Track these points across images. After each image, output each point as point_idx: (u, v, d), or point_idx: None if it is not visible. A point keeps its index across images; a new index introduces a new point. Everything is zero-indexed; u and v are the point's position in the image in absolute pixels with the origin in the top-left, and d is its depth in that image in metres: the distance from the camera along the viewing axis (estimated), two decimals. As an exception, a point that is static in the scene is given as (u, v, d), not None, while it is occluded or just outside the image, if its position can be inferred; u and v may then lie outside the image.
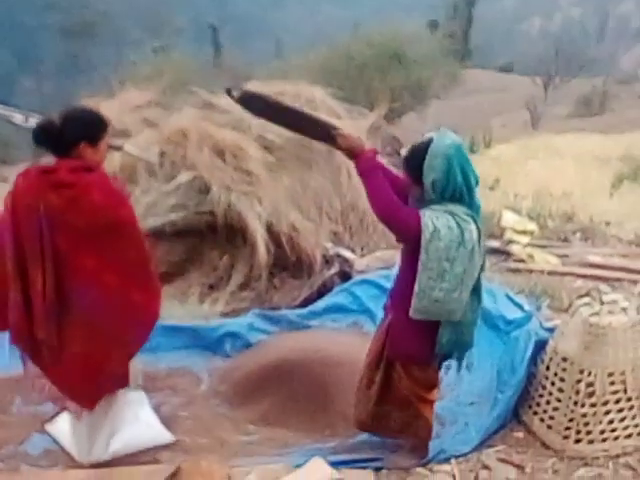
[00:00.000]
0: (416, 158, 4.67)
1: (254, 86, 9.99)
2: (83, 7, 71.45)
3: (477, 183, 4.74)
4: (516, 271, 10.00)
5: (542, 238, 12.20)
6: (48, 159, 5.03)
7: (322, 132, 4.98)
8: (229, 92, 5.14)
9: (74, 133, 4.89)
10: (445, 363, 5.27)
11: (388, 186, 4.69)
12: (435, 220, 4.52)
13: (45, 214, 4.71)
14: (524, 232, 11.86)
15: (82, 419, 5.26)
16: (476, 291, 4.85)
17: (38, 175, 4.84)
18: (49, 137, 4.86)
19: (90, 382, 5.00)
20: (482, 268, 4.87)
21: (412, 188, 4.80)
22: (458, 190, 4.62)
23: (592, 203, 16.45)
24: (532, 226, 12.42)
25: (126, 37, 70.52)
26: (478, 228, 4.69)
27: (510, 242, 11.40)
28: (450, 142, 4.63)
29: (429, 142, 4.64)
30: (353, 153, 4.82)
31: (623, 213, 15.05)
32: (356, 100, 10.84)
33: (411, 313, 4.66)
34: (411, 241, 4.61)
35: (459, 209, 4.62)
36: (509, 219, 12.33)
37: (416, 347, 4.90)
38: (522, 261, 10.77)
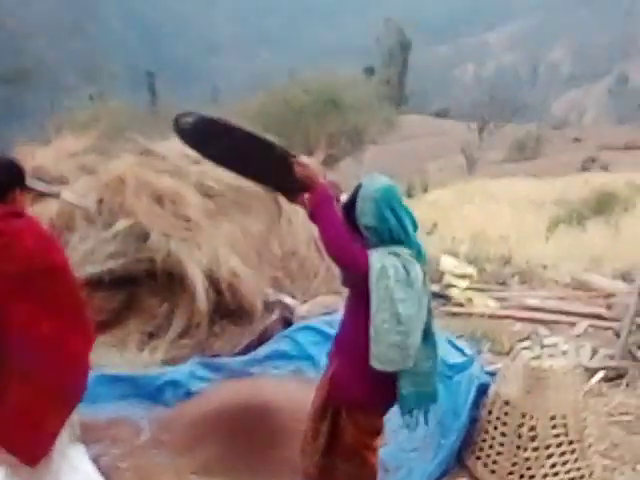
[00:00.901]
0: (349, 205, 4.68)
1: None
2: (17, 53, 71.17)
3: (415, 225, 4.71)
4: (456, 315, 10.09)
5: (480, 282, 12.32)
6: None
7: (278, 160, 4.81)
8: (179, 120, 4.95)
9: (11, 178, 4.83)
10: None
11: (340, 221, 4.62)
12: (383, 259, 4.48)
13: (-26, 264, 4.61)
14: (463, 276, 11.97)
15: (20, 474, 5.13)
16: (428, 337, 4.74)
17: None
18: None
19: (29, 437, 4.88)
20: (430, 312, 4.78)
21: (354, 234, 4.72)
22: (395, 232, 4.58)
23: (528, 246, 16.71)
24: (470, 270, 12.55)
25: (61, 83, 70.33)
26: (423, 270, 4.65)
27: (449, 286, 11.49)
28: (379, 186, 4.62)
29: (359, 188, 4.66)
30: (309, 184, 4.69)
31: (559, 256, 15.30)
32: (294, 146, 10.88)
33: (371, 362, 4.52)
34: (358, 279, 4.53)
35: (402, 250, 4.57)
36: (447, 263, 12.42)
37: (362, 395, 4.79)
38: (461, 305, 10.86)
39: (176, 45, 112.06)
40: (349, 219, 4.70)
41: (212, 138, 4.91)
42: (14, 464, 4.97)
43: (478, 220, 21.37)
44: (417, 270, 4.57)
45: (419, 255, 4.66)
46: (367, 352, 4.54)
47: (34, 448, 4.88)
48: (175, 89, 68.94)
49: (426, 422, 5.04)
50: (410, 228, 4.66)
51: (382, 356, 4.49)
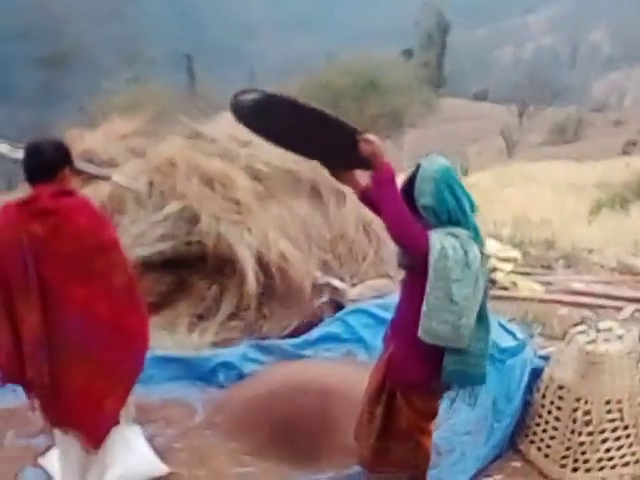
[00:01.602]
0: (408, 186, 4.71)
1: (228, 117, 10.03)
2: (56, 37, 71.39)
3: (472, 206, 4.71)
4: (500, 299, 10.01)
5: (525, 265, 12.23)
6: (23, 188, 4.98)
7: (343, 137, 4.74)
8: (238, 96, 4.85)
9: (61, 156, 4.86)
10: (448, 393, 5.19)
11: (402, 200, 4.61)
12: (442, 239, 4.49)
13: (29, 246, 4.62)
14: (507, 259, 11.89)
15: (76, 453, 5.19)
16: (482, 319, 4.73)
17: (17, 208, 4.75)
18: (40, 159, 4.82)
19: (91, 418, 4.93)
20: (486, 293, 4.78)
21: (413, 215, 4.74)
22: (453, 213, 4.60)
23: (572, 230, 16.56)
24: (515, 253, 12.47)
25: (100, 66, 70.42)
26: (480, 251, 4.66)
27: (493, 270, 11.41)
28: (437, 166, 4.63)
29: (418, 168, 4.67)
30: (374, 161, 4.66)
31: (603, 240, 15.15)
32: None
33: (419, 333, 4.56)
34: (417, 259, 4.56)
35: (460, 231, 4.59)
36: (491, 246, 12.34)
37: (419, 376, 4.81)
38: (505, 288, 10.79)
39: (213, 28, 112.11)
40: (407, 200, 4.69)
41: (274, 115, 4.83)
42: (79, 442, 5.04)
43: (519, 203, 21.23)
44: (475, 251, 4.57)
45: (476, 236, 4.66)
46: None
47: (97, 428, 4.94)
48: (213, 72, 68.91)
49: (474, 402, 5.08)
50: (468, 209, 4.66)
51: (431, 331, 4.53)
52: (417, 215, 4.66)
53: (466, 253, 4.51)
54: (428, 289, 4.50)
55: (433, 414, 5.07)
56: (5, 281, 4.69)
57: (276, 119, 4.84)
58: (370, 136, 4.68)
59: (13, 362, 4.77)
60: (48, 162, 4.79)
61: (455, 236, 4.53)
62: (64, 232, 4.67)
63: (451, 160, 4.89)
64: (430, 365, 4.73)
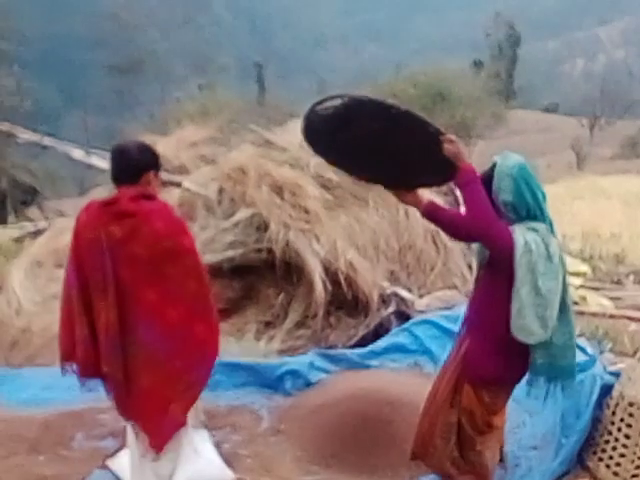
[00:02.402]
0: (485, 183, 4.73)
1: (298, 125, 10.05)
2: (129, 45, 72.29)
3: (544, 199, 4.76)
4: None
5: (594, 280, 12.09)
6: (94, 193, 5.06)
7: (428, 137, 4.74)
8: (318, 105, 4.79)
9: (147, 160, 4.94)
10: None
11: (487, 199, 4.67)
12: (525, 234, 4.55)
13: (107, 246, 4.72)
14: (576, 274, 11.76)
15: (146, 456, 5.25)
16: (565, 311, 4.77)
17: (99, 208, 4.87)
18: (126, 161, 4.91)
19: (156, 421, 4.99)
20: (565, 286, 4.80)
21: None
22: (532, 208, 4.67)
23: (642, 245, 16.29)
24: (584, 268, 12.33)
25: (171, 74, 71.22)
26: (558, 244, 4.73)
27: (563, 284, 11.25)
28: (514, 163, 4.73)
29: (494, 166, 4.75)
30: (457, 161, 4.72)
31: (674, 257, 14.88)
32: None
33: (513, 332, 4.62)
34: (500, 256, 4.62)
35: (539, 225, 4.65)
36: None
37: (495, 371, 4.87)
38: (575, 303, 10.66)
39: (283, 37, 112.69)
40: None
41: (355, 123, 4.78)
42: (144, 444, 5.10)
43: (589, 217, 20.96)
44: (555, 244, 4.65)
45: (552, 230, 4.74)
46: (502, 328, 4.64)
47: (162, 432, 5.00)
48: (282, 81, 69.33)
49: (563, 393, 5.34)
50: (543, 203, 4.73)
51: (525, 327, 4.59)
52: (497, 212, 4.71)
53: (547, 246, 4.58)
54: (518, 285, 4.56)
55: (501, 408, 5.08)
56: (84, 278, 4.79)
57: (357, 126, 4.78)
58: (453, 137, 4.73)
59: (90, 357, 4.86)
60: (133, 165, 4.88)
61: (535, 230, 4.60)
62: (140, 235, 4.75)
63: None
64: (507, 359, 4.82)
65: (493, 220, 4.62)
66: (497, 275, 4.71)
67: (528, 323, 4.59)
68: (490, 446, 5.13)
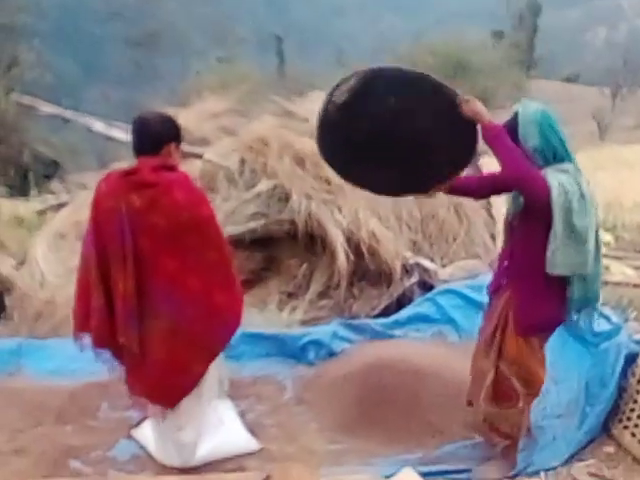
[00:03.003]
0: (509, 134, 4.78)
1: (318, 96, 10.02)
2: (148, 17, 72.18)
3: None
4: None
5: (617, 249, 12.02)
6: (115, 166, 5.08)
7: (446, 98, 4.83)
8: (335, 90, 4.84)
9: (168, 132, 4.95)
10: None
11: (517, 147, 4.76)
12: (557, 177, 4.67)
13: (127, 215, 4.75)
14: (600, 243, 11.66)
15: (167, 423, 5.28)
16: (597, 246, 4.95)
17: (119, 178, 4.90)
18: (147, 132, 4.92)
19: (171, 382, 5.03)
20: (597, 220, 4.97)
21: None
22: (559, 151, 4.80)
23: (665, 215, 16.16)
24: (608, 237, 12.27)
25: (190, 47, 71.01)
26: (587, 181, 4.86)
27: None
28: (535, 108, 4.86)
29: (516, 115, 4.86)
30: (479, 119, 4.79)
31: (697, 226, 14.76)
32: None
33: (549, 269, 4.76)
34: (539, 201, 4.70)
35: (567, 166, 4.78)
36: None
37: (549, 312, 5.02)
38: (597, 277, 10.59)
39: (302, 8, 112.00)
40: None
41: (372, 99, 4.81)
42: (155, 412, 5.14)
43: (611, 187, 20.79)
44: (584, 182, 4.78)
45: (578, 169, 4.86)
46: (542, 274, 4.80)
47: (175, 391, 5.04)
48: (301, 52, 69.02)
49: (590, 323, 5.44)
50: (568, 145, 4.85)
51: (561, 263, 4.74)
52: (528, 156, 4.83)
53: (579, 185, 4.71)
54: (555, 226, 4.69)
55: (543, 357, 5.22)
56: (102, 247, 4.82)
57: (374, 102, 4.81)
58: (470, 97, 4.81)
59: (105, 327, 4.90)
60: (154, 136, 4.90)
61: (566, 172, 4.74)
62: (160, 205, 4.76)
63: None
64: (556, 301, 4.97)
65: (528, 167, 4.72)
66: (534, 221, 4.83)
67: (563, 259, 4.72)
68: (529, 406, 5.27)
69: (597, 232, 4.94)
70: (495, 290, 5.27)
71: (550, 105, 5.02)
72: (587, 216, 4.72)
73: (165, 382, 5.03)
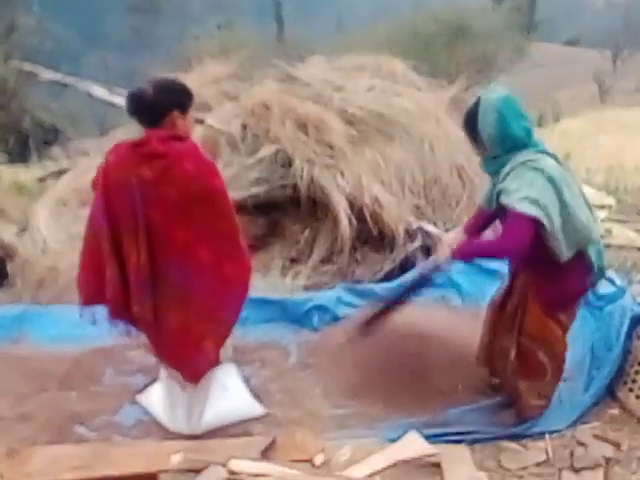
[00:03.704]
0: (471, 118, 4.87)
1: (319, 61, 9.99)
2: (147, -18, 71.61)
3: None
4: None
5: (620, 213, 12.01)
6: (115, 133, 5.03)
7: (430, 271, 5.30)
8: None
9: (167, 101, 4.88)
10: None
11: (484, 244, 5.23)
12: (532, 200, 4.65)
13: (138, 187, 4.71)
14: (601, 206, 11.69)
15: (179, 391, 5.30)
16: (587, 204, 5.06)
17: (128, 149, 4.85)
18: (143, 105, 4.86)
19: (190, 357, 5.03)
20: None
21: (478, 149, 5.03)
22: (520, 138, 4.77)
23: (667, 178, 16.13)
24: (610, 200, 12.24)
25: (189, 13, 70.55)
26: (555, 159, 4.86)
27: (587, 217, 11.20)
28: (497, 95, 4.79)
29: (478, 100, 4.84)
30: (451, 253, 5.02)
31: (700, 189, 14.74)
32: (422, 75, 10.74)
33: (561, 258, 4.84)
34: (533, 240, 4.74)
35: (527, 154, 4.79)
36: (585, 193, 12.12)
37: (571, 286, 5.10)
38: (600, 236, 10.59)
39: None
40: (468, 134, 4.99)
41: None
42: (177, 380, 5.15)
43: (613, 150, 20.77)
44: (550, 165, 4.77)
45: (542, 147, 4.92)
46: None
47: (196, 366, 5.05)
48: (300, 18, 68.57)
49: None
50: (532, 131, 4.88)
51: (565, 249, 4.83)
52: (480, 145, 4.93)
53: (549, 176, 4.70)
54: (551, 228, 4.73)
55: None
56: (113, 220, 4.80)
57: None
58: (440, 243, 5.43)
59: (119, 298, 4.89)
60: (151, 108, 4.84)
61: (524, 165, 4.75)
62: (171, 177, 4.73)
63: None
64: (572, 275, 5.01)
65: (499, 245, 4.94)
66: None
67: (574, 239, 4.84)
68: (558, 379, 5.42)
69: (584, 196, 5.04)
70: (514, 269, 5.36)
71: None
72: (574, 195, 4.82)
73: (184, 355, 5.04)
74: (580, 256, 4.89)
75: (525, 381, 5.28)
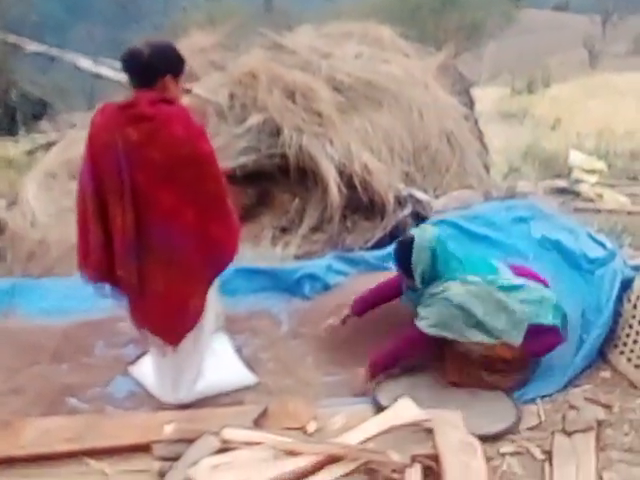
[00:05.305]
0: (404, 253, 5.40)
1: (307, 30, 9.93)
2: (132, -46, 71.07)
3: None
4: (587, 211, 9.86)
5: (610, 177, 12.03)
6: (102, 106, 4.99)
7: None
8: None
9: (162, 64, 4.85)
10: None
11: (391, 351, 5.56)
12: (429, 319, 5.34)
13: (123, 149, 4.68)
14: (592, 171, 11.73)
15: (166, 360, 5.29)
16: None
17: (115, 110, 4.82)
18: (138, 65, 4.82)
19: (173, 318, 5.03)
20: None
21: (404, 279, 5.64)
22: (450, 271, 5.37)
23: (657, 142, 16.14)
24: (600, 165, 12.28)
25: (176, -17, 70.10)
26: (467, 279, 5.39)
27: (578, 181, 11.26)
28: (431, 235, 5.41)
29: (412, 239, 5.41)
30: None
31: (689, 151, 14.76)
32: (412, 41, 10.69)
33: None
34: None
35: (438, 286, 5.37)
36: (576, 158, 12.19)
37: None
38: (591, 200, 10.63)
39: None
40: (398, 265, 5.65)
41: None
42: (160, 347, 5.14)
43: (603, 115, 20.76)
44: (455, 288, 5.33)
45: (460, 264, 5.49)
46: None
47: (178, 328, 5.04)
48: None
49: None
50: (462, 260, 5.50)
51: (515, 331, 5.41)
52: (407, 276, 5.51)
53: (459, 305, 5.29)
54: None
55: None
56: (99, 181, 4.78)
57: None
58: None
59: (103, 261, 4.88)
60: (146, 68, 4.80)
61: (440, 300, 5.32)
62: (158, 139, 4.70)
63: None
64: None
65: (404, 347, 5.58)
66: None
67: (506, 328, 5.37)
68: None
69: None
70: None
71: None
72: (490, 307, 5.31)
73: (166, 318, 5.02)
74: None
75: (492, 375, 5.44)
